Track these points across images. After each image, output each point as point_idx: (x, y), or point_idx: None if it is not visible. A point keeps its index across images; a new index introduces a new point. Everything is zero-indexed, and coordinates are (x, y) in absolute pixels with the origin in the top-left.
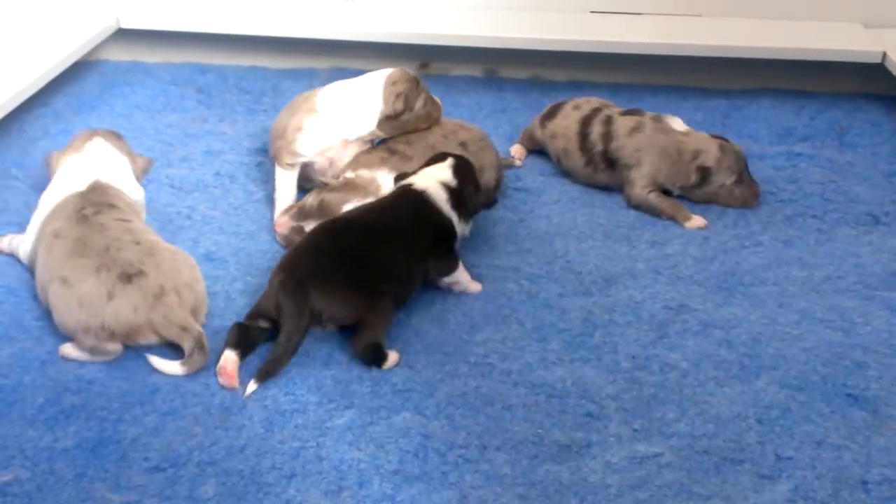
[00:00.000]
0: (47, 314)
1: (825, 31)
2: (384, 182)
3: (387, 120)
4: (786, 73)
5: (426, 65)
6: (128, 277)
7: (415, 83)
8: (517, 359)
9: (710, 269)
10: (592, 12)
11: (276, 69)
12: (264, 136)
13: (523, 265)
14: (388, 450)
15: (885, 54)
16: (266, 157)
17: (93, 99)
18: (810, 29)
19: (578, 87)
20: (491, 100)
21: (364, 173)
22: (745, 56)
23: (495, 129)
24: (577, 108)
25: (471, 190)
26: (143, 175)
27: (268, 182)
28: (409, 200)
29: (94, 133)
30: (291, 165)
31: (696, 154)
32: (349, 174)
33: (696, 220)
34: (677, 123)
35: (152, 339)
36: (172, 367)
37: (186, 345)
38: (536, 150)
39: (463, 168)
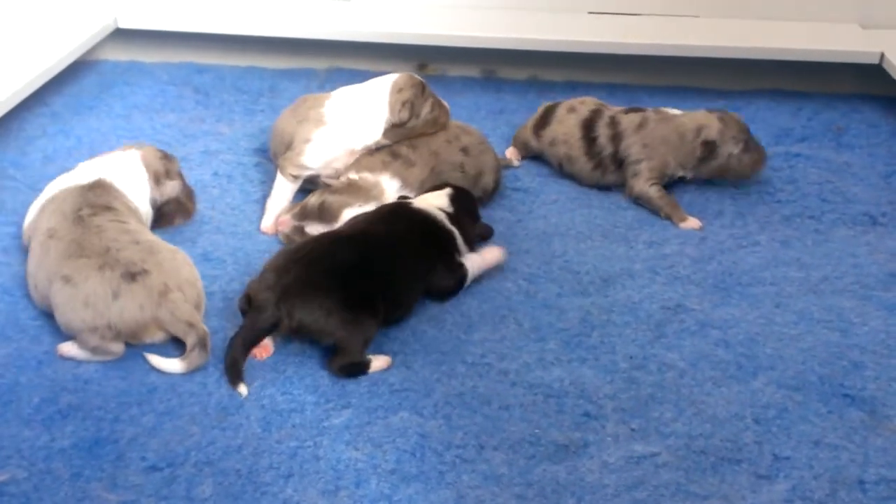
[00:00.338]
0: (43, 314)
1: (823, 32)
2: (387, 186)
3: (393, 128)
4: (783, 73)
5: (424, 65)
6: (132, 276)
7: (420, 89)
8: (515, 359)
9: (707, 270)
10: (590, 13)
11: (273, 69)
12: (262, 136)
13: (521, 265)
14: (385, 449)
15: (882, 55)
16: (264, 158)
17: (91, 99)
18: (808, 30)
19: (576, 87)
20: (489, 100)
21: (367, 176)
22: (743, 57)
23: (493, 130)
24: (572, 110)
25: (467, 220)
26: (162, 199)
27: (265, 182)
28: (405, 216)
29: (139, 146)
30: (295, 178)
31: (699, 130)
32: (352, 175)
33: (691, 222)
34: (676, 112)
35: (157, 337)
36: (172, 364)
37: (189, 341)
38: (531, 156)
39: (461, 199)
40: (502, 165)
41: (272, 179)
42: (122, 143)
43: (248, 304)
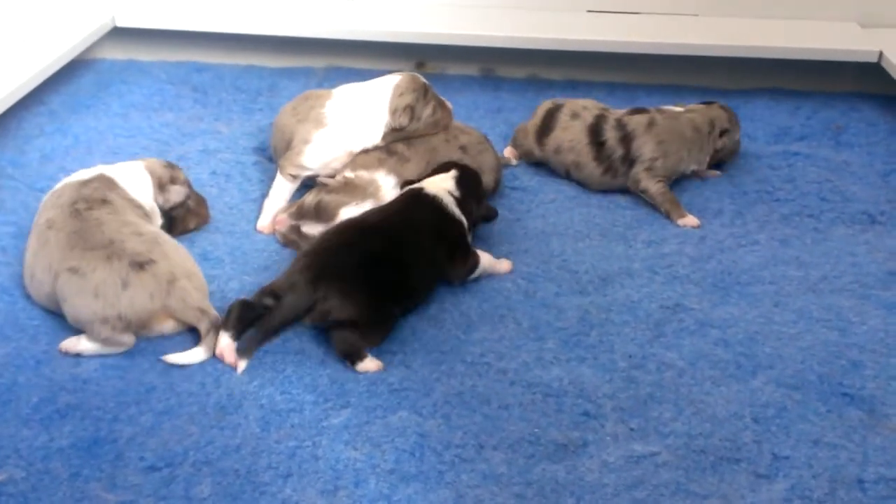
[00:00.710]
0: (42, 313)
1: (822, 31)
2: (383, 183)
3: (392, 132)
4: (782, 72)
5: (423, 64)
6: (140, 265)
7: (423, 92)
8: (514, 358)
9: (706, 269)
10: (589, 11)
11: (272, 68)
12: (260, 135)
13: (520, 264)
14: (384, 449)
15: (881, 54)
16: (262, 157)
17: (88, 98)
18: (807, 28)
19: (575, 86)
20: (487, 99)
21: (363, 174)
22: (742, 55)
23: (492, 129)
24: (575, 116)
25: (472, 203)
26: (167, 204)
27: (264, 182)
28: (422, 204)
29: (143, 160)
30: (294, 178)
31: (713, 123)
32: (348, 174)
33: (690, 219)
34: (673, 107)
35: (166, 327)
36: (194, 354)
37: (203, 327)
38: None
39: (467, 180)
40: (502, 162)
41: (270, 178)
42: (119, 141)
43: (272, 295)
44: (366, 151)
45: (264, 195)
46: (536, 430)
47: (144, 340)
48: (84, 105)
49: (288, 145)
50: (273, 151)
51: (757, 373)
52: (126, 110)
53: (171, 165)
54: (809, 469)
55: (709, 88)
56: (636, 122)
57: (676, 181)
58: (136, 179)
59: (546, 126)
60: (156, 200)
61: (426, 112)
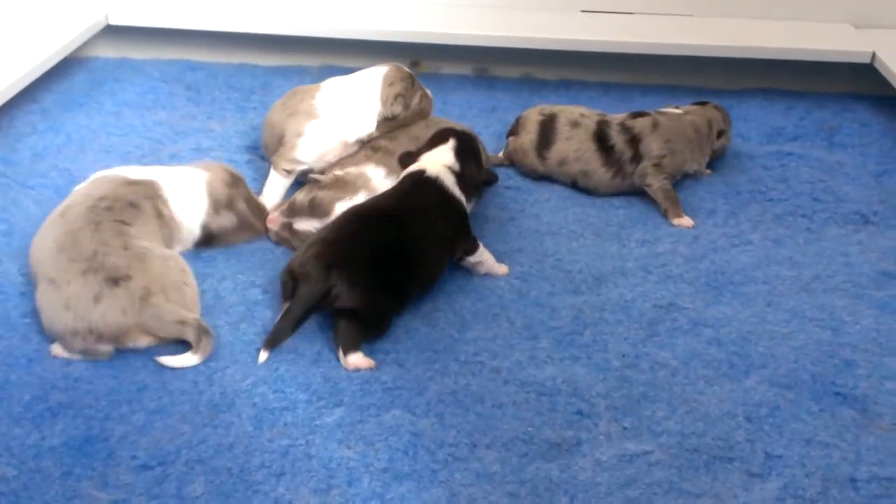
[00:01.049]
0: (34, 311)
1: (815, 32)
2: (373, 175)
3: (384, 121)
4: (776, 72)
5: (417, 63)
6: (114, 281)
7: (410, 81)
8: (507, 357)
9: (699, 268)
10: (583, 11)
11: (265, 66)
12: (254, 133)
13: (513, 264)
14: (377, 448)
15: (874, 54)
16: (255, 155)
17: (81, 96)
18: (800, 29)
19: (569, 86)
20: (481, 98)
21: (352, 170)
22: (736, 56)
23: (486, 128)
24: (575, 125)
25: (473, 168)
26: (216, 229)
27: (257, 180)
28: (426, 188)
29: (207, 167)
30: (289, 172)
31: (710, 123)
32: (338, 171)
33: (686, 220)
34: (671, 108)
35: (141, 342)
36: (186, 359)
37: (189, 337)
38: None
39: (465, 147)
40: (495, 163)
41: (264, 177)
42: (112, 140)
43: (292, 277)
44: (359, 142)
45: (258, 193)
46: (530, 428)
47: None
48: (77, 103)
49: (279, 141)
50: (265, 149)
51: (750, 372)
52: (119, 108)
53: (234, 182)
54: (802, 468)
55: (703, 88)
56: (641, 124)
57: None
58: (188, 196)
59: (545, 139)
60: (205, 222)
61: (414, 101)
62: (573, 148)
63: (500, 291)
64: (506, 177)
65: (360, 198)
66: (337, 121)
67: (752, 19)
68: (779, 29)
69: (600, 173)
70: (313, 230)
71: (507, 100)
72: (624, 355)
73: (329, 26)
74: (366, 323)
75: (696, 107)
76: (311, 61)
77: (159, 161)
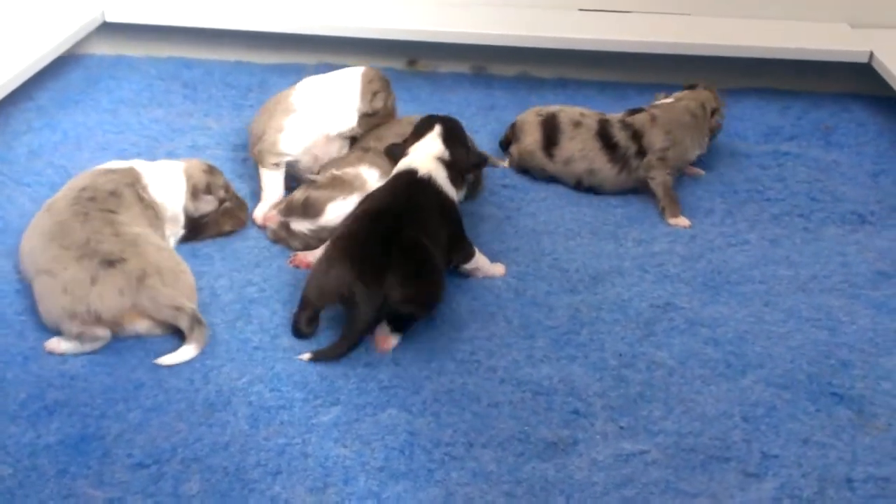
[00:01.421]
0: (30, 308)
1: (812, 31)
2: (368, 176)
3: (364, 117)
4: (773, 72)
5: (414, 61)
6: (109, 263)
7: (386, 82)
8: (504, 356)
9: (696, 268)
10: (581, 10)
11: (262, 64)
12: None
13: (510, 263)
14: (373, 447)
15: (871, 54)
16: None
17: (77, 93)
18: (797, 28)
19: (566, 84)
20: (479, 97)
21: (348, 170)
22: (733, 55)
23: (483, 126)
24: (577, 124)
25: (462, 152)
26: (196, 213)
27: (253, 178)
28: (421, 188)
29: (186, 160)
30: (276, 165)
31: (703, 104)
32: (335, 171)
33: (682, 220)
34: (662, 98)
35: (141, 326)
36: (183, 353)
37: (183, 324)
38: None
39: (451, 132)
40: (489, 164)
41: (260, 179)
42: (108, 137)
43: (340, 302)
44: (342, 136)
45: (254, 191)
46: (526, 428)
47: (132, 337)
48: (73, 100)
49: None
50: (253, 156)
51: (746, 372)
52: (115, 106)
53: (211, 171)
54: (799, 468)
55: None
56: (640, 119)
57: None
58: (167, 180)
59: (550, 139)
60: (186, 207)
61: (390, 101)
62: (578, 147)
63: (496, 290)
64: (502, 176)
65: (355, 199)
66: (315, 114)
67: (749, 18)
68: (776, 28)
69: (606, 170)
70: (307, 231)
71: (504, 98)
72: (620, 355)
73: (326, 24)
74: (422, 310)
75: (686, 91)
76: (308, 59)
77: (155, 158)
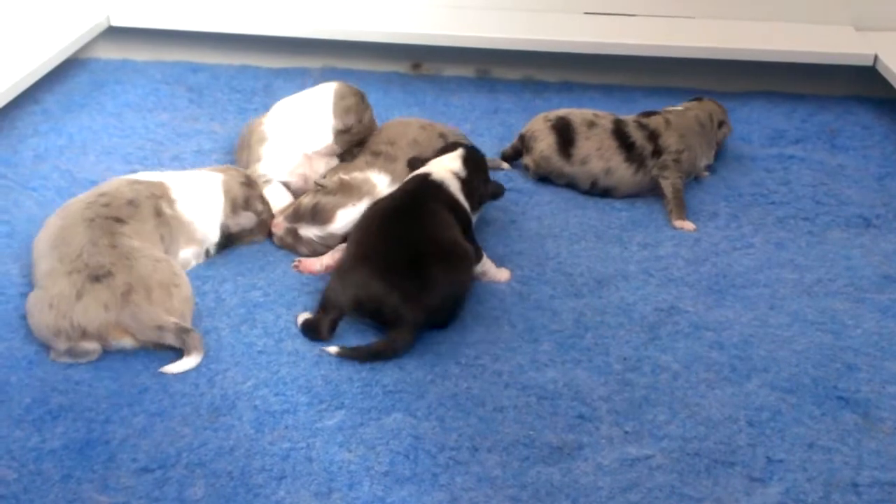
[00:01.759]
0: None
1: (817, 34)
2: (377, 181)
3: (340, 134)
4: (778, 75)
5: (418, 65)
6: (96, 278)
7: (360, 97)
8: (508, 360)
9: (701, 271)
10: (586, 13)
11: (267, 68)
12: None
13: (515, 267)
14: (378, 451)
15: (876, 57)
16: None
17: (83, 97)
18: (802, 31)
19: (571, 88)
20: (483, 100)
21: (357, 175)
22: (738, 58)
23: (488, 130)
24: (592, 125)
25: (480, 182)
26: (235, 229)
27: None
28: (432, 190)
29: (224, 169)
30: (268, 182)
31: (711, 115)
32: (343, 176)
33: (687, 224)
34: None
35: (126, 342)
36: (186, 363)
37: (169, 340)
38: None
39: (472, 158)
40: (492, 167)
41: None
42: (114, 141)
43: (332, 310)
44: (321, 154)
45: None
46: (531, 432)
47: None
48: (78, 104)
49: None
50: None
51: (751, 376)
52: (121, 110)
53: (249, 183)
54: (804, 472)
55: (704, 91)
56: (655, 121)
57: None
58: (201, 196)
59: (566, 141)
60: (224, 223)
61: (366, 115)
62: (595, 146)
63: (500, 294)
64: (507, 179)
65: (365, 204)
66: (288, 135)
67: (754, 21)
68: (781, 31)
69: (622, 169)
70: (314, 237)
71: (509, 102)
72: (625, 359)
73: (331, 28)
74: (452, 308)
75: (693, 103)
76: (313, 63)
77: (160, 163)
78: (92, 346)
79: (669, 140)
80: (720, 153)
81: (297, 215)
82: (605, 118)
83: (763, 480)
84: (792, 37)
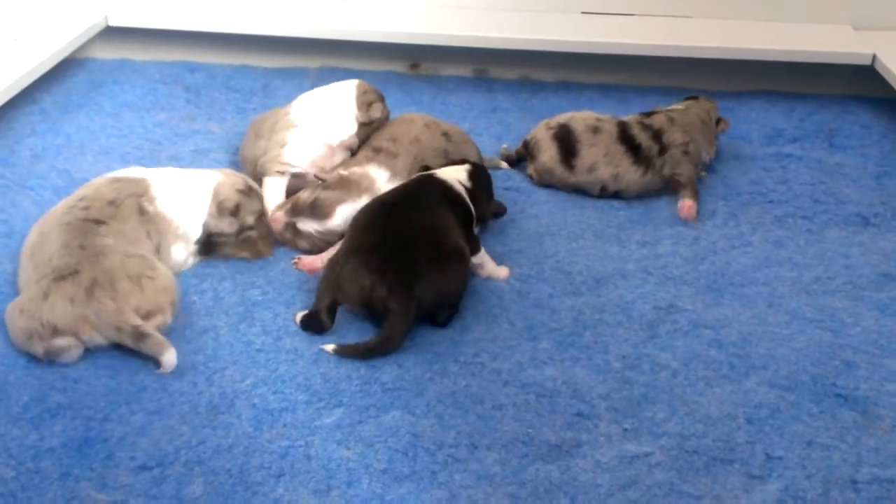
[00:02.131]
0: None
1: (815, 33)
2: (377, 176)
3: (362, 127)
4: (776, 74)
5: (416, 65)
6: (62, 277)
7: (378, 93)
8: (507, 358)
9: (700, 270)
10: (583, 13)
11: (265, 68)
12: None
13: (513, 265)
14: (377, 449)
15: (874, 56)
16: None
17: (80, 97)
18: (800, 31)
19: (569, 87)
20: (481, 100)
21: (356, 170)
22: (736, 58)
23: (486, 129)
24: (596, 130)
25: (483, 196)
26: (215, 230)
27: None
28: (434, 187)
29: (228, 174)
30: (281, 173)
31: (709, 112)
32: (342, 171)
33: (693, 208)
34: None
35: (97, 337)
36: (166, 362)
37: (128, 342)
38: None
39: (478, 173)
40: (492, 165)
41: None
42: (111, 141)
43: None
44: (343, 145)
45: None
46: (530, 430)
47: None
48: (76, 104)
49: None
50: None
51: (750, 374)
52: (118, 110)
53: (248, 192)
54: (803, 470)
55: (702, 90)
56: (658, 120)
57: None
58: (183, 194)
59: (568, 151)
60: (206, 222)
61: (385, 112)
62: (602, 153)
63: (499, 293)
64: (506, 178)
65: (364, 200)
66: (316, 126)
67: (752, 21)
68: (779, 30)
69: (631, 172)
70: (313, 232)
71: (506, 101)
72: (624, 357)
73: (329, 28)
74: (448, 304)
75: (690, 101)
76: (311, 62)
77: (158, 163)
78: (66, 341)
79: (674, 135)
80: (718, 152)
81: (296, 210)
82: (609, 122)
83: (762, 478)
84: (790, 36)
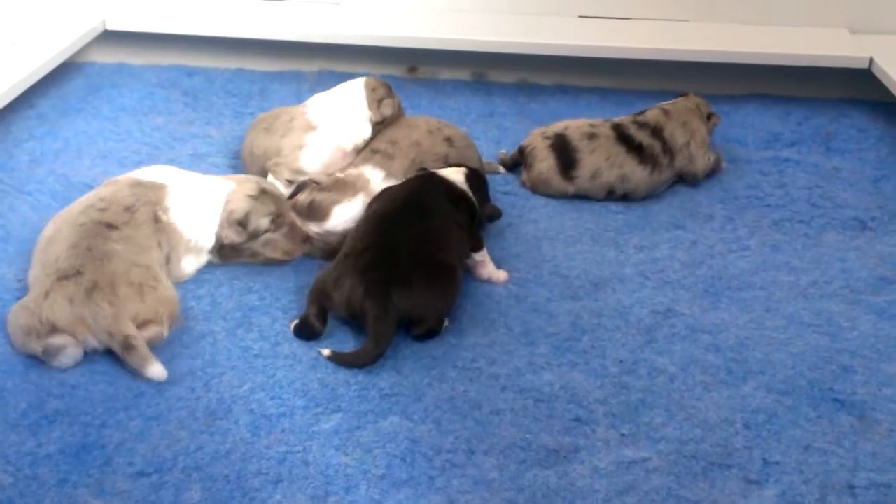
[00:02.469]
0: None
1: (812, 37)
2: (371, 176)
3: (375, 126)
4: (773, 78)
5: (414, 68)
6: (65, 277)
7: (388, 88)
8: (505, 363)
9: (697, 274)
10: (581, 17)
11: (263, 72)
12: None
13: (511, 269)
14: (375, 454)
15: (871, 60)
16: None
17: (78, 101)
18: (797, 34)
19: (566, 91)
20: (479, 104)
21: (351, 171)
22: (733, 61)
23: (484, 133)
24: (592, 137)
25: (479, 200)
26: (226, 241)
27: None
28: (434, 185)
29: (244, 181)
30: (290, 182)
31: (699, 107)
32: (338, 173)
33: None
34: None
35: (92, 341)
36: (156, 375)
37: (116, 349)
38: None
39: (476, 178)
40: (489, 170)
41: None
42: (109, 145)
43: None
44: (356, 148)
45: None
46: (528, 435)
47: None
48: (74, 108)
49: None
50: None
51: (748, 378)
52: (116, 114)
53: (260, 196)
54: (800, 474)
55: (699, 94)
56: (652, 115)
57: (669, 186)
58: (197, 205)
59: (567, 161)
60: (217, 233)
61: (395, 104)
62: (604, 157)
63: (497, 297)
64: (503, 182)
65: (360, 200)
66: (333, 129)
67: (749, 24)
68: (776, 34)
69: (638, 172)
70: (313, 234)
71: (504, 105)
72: (622, 361)
73: (326, 32)
74: (433, 317)
75: (679, 99)
76: (309, 67)
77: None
78: (62, 339)
79: (675, 132)
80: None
81: (295, 212)
82: (603, 125)
83: (759, 482)
84: (787, 40)
